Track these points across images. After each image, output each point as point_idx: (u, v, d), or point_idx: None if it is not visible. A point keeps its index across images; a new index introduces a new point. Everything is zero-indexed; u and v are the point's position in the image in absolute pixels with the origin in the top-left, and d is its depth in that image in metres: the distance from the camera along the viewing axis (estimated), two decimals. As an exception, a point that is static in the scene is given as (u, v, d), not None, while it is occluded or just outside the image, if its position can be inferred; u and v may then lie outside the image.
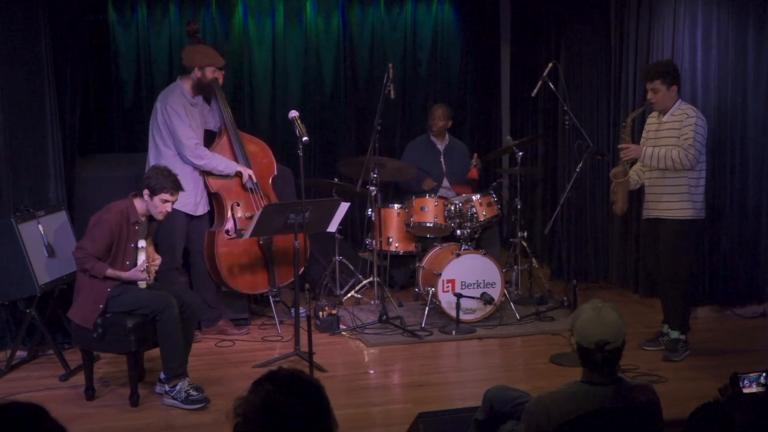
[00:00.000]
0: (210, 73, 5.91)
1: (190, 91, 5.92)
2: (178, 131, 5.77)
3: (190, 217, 5.94)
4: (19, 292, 5.22)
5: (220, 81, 6.13)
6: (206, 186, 6.00)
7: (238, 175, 6.02)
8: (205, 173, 5.95)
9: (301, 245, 5.30)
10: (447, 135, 7.38)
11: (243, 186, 6.06)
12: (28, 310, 5.24)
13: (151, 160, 5.86)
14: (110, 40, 7.75)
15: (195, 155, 5.83)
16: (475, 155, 7.32)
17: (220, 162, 5.94)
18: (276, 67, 8.13)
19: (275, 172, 6.34)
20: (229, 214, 6.04)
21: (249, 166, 6.10)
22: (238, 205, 6.07)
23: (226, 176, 6.00)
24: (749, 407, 2.18)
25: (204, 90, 5.95)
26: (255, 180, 6.07)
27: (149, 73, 7.85)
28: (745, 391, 3.09)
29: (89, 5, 7.16)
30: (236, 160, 6.11)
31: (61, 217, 5.58)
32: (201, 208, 6.01)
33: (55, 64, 5.74)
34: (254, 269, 6.14)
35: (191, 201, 5.88)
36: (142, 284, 4.74)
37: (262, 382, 2.09)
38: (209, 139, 6.16)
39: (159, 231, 5.71)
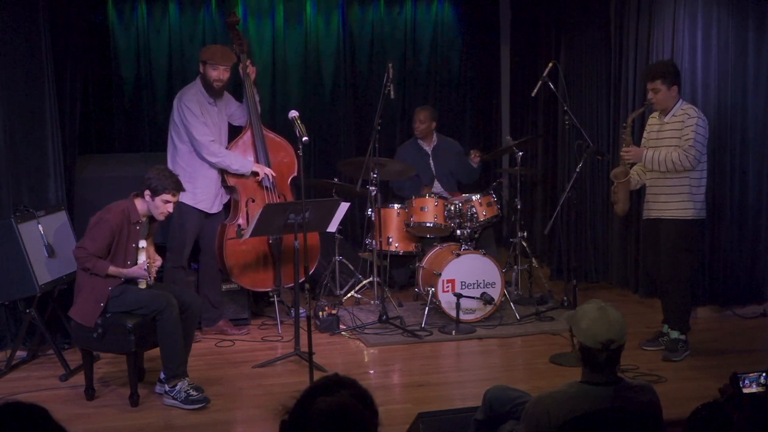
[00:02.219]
0: (210, 70, 5.85)
1: (206, 90, 5.92)
2: (192, 128, 5.79)
3: (205, 215, 5.95)
4: (19, 292, 5.22)
5: (252, 76, 6.17)
6: (223, 180, 6.02)
7: (254, 174, 6.02)
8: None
9: (302, 245, 5.29)
10: (435, 135, 7.33)
11: (259, 183, 6.07)
12: (28, 310, 5.24)
13: (169, 157, 5.92)
14: (110, 40, 7.74)
15: (209, 152, 5.84)
16: (471, 151, 7.18)
17: (235, 161, 5.95)
18: (276, 67, 8.13)
19: (295, 173, 6.32)
20: (244, 209, 6.06)
21: (269, 164, 6.11)
22: (254, 201, 6.09)
23: (243, 174, 6.01)
24: (749, 407, 2.18)
25: (209, 88, 5.92)
26: (272, 179, 6.08)
27: (149, 73, 7.85)
28: (745, 391, 3.08)
29: (89, 5, 7.16)
30: (257, 156, 6.12)
31: (61, 217, 5.58)
32: (216, 206, 6.03)
33: (55, 64, 5.74)
34: (261, 267, 6.16)
35: (208, 198, 5.91)
36: (142, 284, 4.74)
37: (333, 386, 2.03)
38: (235, 134, 6.17)
39: (170, 227, 5.73)
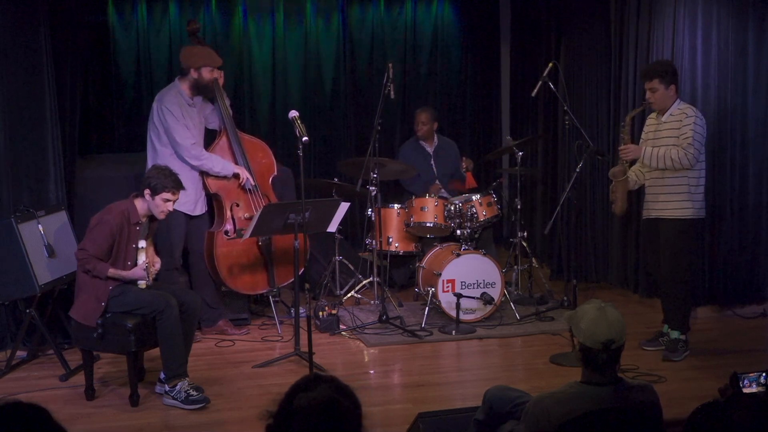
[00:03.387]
0: (207, 73, 5.87)
1: (188, 92, 5.91)
2: (173, 131, 5.77)
3: (189, 217, 5.94)
4: (19, 292, 5.22)
5: (221, 81, 6.13)
6: (205, 186, 6.00)
7: (236, 176, 6.02)
8: (204, 173, 5.96)
9: (301, 245, 5.30)
10: (435, 136, 7.36)
11: (242, 186, 6.06)
12: (28, 310, 5.24)
13: (149, 160, 5.88)
14: (110, 40, 7.74)
15: (191, 155, 5.83)
16: (463, 158, 7.27)
17: (217, 163, 5.93)
18: (276, 67, 8.13)
19: (275, 172, 6.33)
20: (229, 214, 6.04)
21: (248, 167, 6.10)
22: (238, 205, 6.07)
23: (224, 177, 6.00)
24: (749, 407, 2.18)
25: (203, 90, 5.93)
26: (253, 182, 6.07)
27: (149, 73, 7.85)
28: (745, 391, 3.08)
29: (89, 5, 7.16)
30: (235, 161, 6.11)
31: (61, 217, 5.58)
32: (199, 208, 6.00)
33: (55, 64, 5.74)
34: (254, 269, 6.14)
35: (189, 200, 5.88)
36: (142, 284, 4.75)
37: (315, 383, 2.04)
38: (210, 138, 6.16)
39: (157, 231, 5.71)
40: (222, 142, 6.14)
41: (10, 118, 5.53)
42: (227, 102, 6.20)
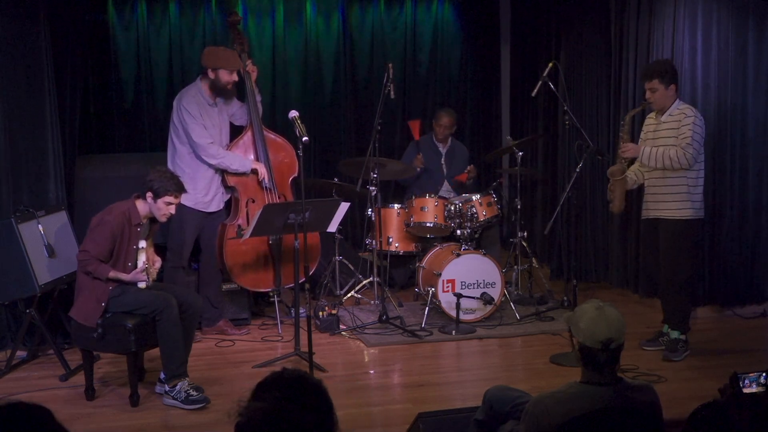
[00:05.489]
0: (224, 75, 5.86)
1: (207, 92, 5.92)
2: (190, 130, 5.80)
3: (204, 215, 5.96)
4: (19, 292, 5.22)
5: (253, 76, 6.19)
6: (224, 179, 6.03)
7: (254, 172, 6.03)
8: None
9: (302, 245, 5.29)
10: (449, 138, 7.40)
11: (260, 183, 6.08)
12: (28, 310, 5.24)
13: (169, 157, 5.94)
14: (110, 40, 7.74)
15: (207, 154, 5.85)
16: (471, 167, 7.29)
17: (234, 161, 5.96)
18: (276, 67, 8.12)
19: (296, 173, 6.32)
20: (244, 209, 6.07)
21: (269, 165, 6.12)
22: (254, 201, 6.09)
23: (243, 173, 6.01)
24: (749, 407, 2.18)
25: (220, 92, 5.95)
26: (269, 180, 6.08)
27: (149, 73, 7.85)
28: (745, 391, 3.08)
29: (89, 5, 7.16)
30: (257, 157, 6.13)
31: (61, 217, 5.59)
32: (215, 205, 6.03)
33: (55, 64, 5.74)
34: (261, 267, 6.16)
35: (206, 199, 5.92)
36: (142, 284, 4.75)
37: (269, 388, 2.05)
38: (236, 134, 6.19)
39: (170, 228, 5.75)
40: (246, 137, 6.17)
41: (10, 118, 5.53)
42: (258, 98, 6.23)
